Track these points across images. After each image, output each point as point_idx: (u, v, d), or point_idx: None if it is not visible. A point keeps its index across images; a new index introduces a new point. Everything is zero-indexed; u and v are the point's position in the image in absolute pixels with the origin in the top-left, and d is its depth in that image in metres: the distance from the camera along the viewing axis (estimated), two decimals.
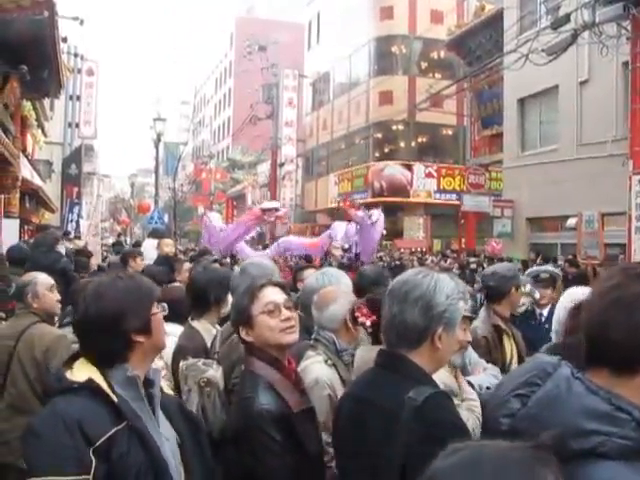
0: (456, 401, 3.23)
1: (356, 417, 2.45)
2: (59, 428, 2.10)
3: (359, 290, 5.00)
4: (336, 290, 3.64)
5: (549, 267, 8.94)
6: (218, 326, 4.37)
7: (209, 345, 4.06)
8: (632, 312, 1.47)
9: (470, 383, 3.65)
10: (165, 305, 2.54)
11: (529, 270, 8.40)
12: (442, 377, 3.23)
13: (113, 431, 2.16)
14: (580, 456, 1.39)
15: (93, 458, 2.09)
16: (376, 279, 5.02)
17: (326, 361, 3.35)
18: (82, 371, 2.25)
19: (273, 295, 3.01)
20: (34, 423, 2.17)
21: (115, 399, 2.24)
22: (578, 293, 3.35)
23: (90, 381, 2.21)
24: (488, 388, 3.69)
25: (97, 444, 2.11)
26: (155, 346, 2.43)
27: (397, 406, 2.21)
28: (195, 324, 4.29)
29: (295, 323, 3.02)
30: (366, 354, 3.00)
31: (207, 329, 4.31)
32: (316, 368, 3.29)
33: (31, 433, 2.14)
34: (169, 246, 10.30)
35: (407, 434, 2.18)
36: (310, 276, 4.70)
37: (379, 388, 2.41)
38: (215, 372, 3.45)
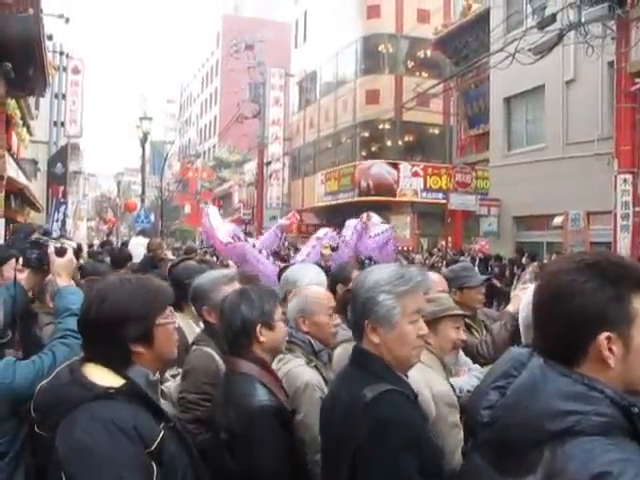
0: (454, 414, 3.20)
1: (328, 412, 2.52)
2: (116, 437, 1.98)
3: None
4: (299, 291, 3.66)
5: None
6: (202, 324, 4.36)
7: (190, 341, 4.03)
8: (552, 310, 1.58)
9: (451, 385, 3.62)
10: (177, 317, 2.47)
11: None
12: (441, 387, 3.21)
13: (162, 433, 2.11)
14: (557, 437, 1.45)
15: (153, 463, 2.03)
16: (340, 276, 5.03)
17: (308, 364, 3.35)
18: (101, 376, 2.14)
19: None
20: (80, 437, 1.98)
21: (156, 402, 2.23)
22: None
23: (129, 385, 2.13)
24: (469, 392, 3.64)
25: (152, 448, 2.05)
26: (160, 358, 2.32)
27: (353, 402, 2.27)
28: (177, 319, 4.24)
29: None
30: (343, 353, 3.03)
31: (188, 324, 4.30)
32: (304, 371, 3.29)
33: (81, 449, 1.96)
34: (159, 248, 10.30)
35: (357, 429, 2.23)
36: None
37: (345, 384, 2.46)
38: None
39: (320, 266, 6.93)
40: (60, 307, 2.95)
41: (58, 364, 2.57)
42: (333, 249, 8.47)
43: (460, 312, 3.71)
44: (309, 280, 4.16)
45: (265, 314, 3.03)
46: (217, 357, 3.59)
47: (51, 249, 3.03)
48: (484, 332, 4.72)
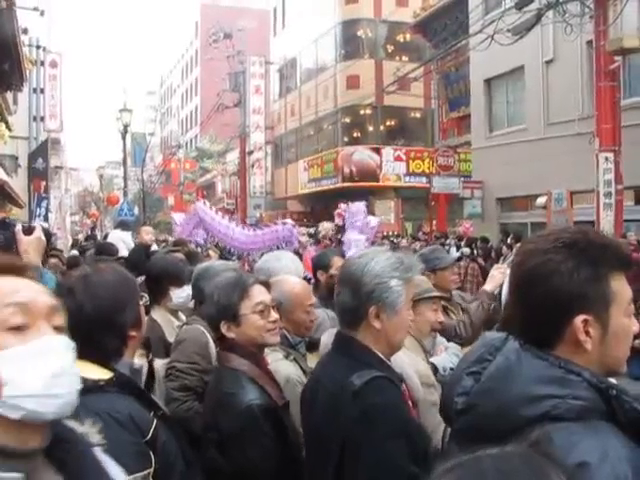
0: (432, 394, 3.20)
1: (310, 398, 2.51)
2: (113, 427, 1.96)
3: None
4: (272, 282, 3.47)
5: None
6: (183, 316, 4.35)
7: (168, 336, 4.03)
8: (527, 290, 1.54)
9: (433, 364, 3.62)
10: (146, 295, 2.47)
11: None
12: (420, 368, 3.21)
13: (155, 421, 2.13)
14: (535, 422, 1.41)
15: (150, 452, 2.05)
16: (321, 263, 5.03)
17: (287, 357, 3.31)
18: (87, 369, 2.04)
19: (262, 295, 2.97)
20: None
21: (145, 391, 2.27)
22: None
23: (118, 376, 2.13)
24: (452, 369, 3.65)
25: (148, 437, 2.07)
26: (140, 339, 2.39)
27: (339, 389, 2.26)
28: (155, 314, 4.21)
29: (278, 325, 3.03)
30: (328, 339, 2.99)
31: (167, 320, 4.27)
32: (283, 366, 3.24)
33: None
34: (149, 234, 10.12)
35: (345, 417, 2.22)
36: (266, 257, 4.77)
37: (329, 371, 2.45)
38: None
39: (298, 254, 6.93)
40: None
41: None
42: (311, 235, 8.56)
43: (438, 294, 3.74)
44: (286, 270, 4.06)
45: (224, 310, 2.89)
46: (207, 333, 3.62)
47: (18, 227, 2.97)
48: (460, 314, 4.76)
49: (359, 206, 9.41)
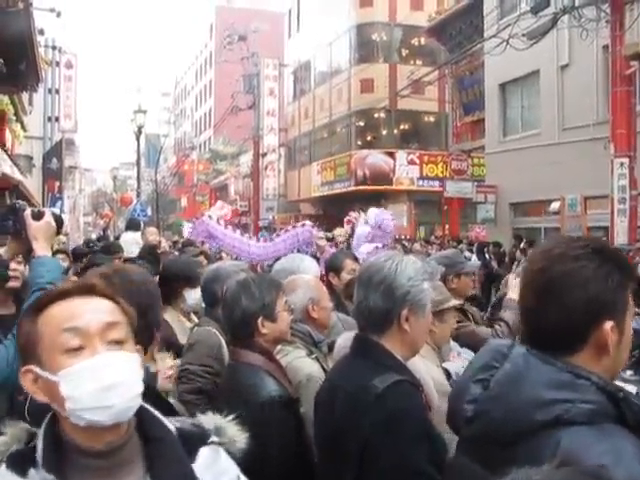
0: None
1: (328, 402, 2.49)
2: None
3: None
4: (297, 280, 3.61)
5: None
6: (195, 317, 4.36)
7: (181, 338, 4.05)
8: (559, 296, 1.53)
9: (447, 370, 3.60)
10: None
11: None
12: (435, 375, 3.19)
13: None
14: (547, 426, 1.43)
15: None
16: (333, 266, 5.03)
17: (309, 355, 3.33)
18: None
19: (285, 295, 3.16)
20: None
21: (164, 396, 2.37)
22: None
23: None
24: None
25: None
26: (159, 340, 2.49)
27: (361, 392, 2.26)
28: (166, 316, 4.21)
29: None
30: (344, 342, 2.99)
31: (180, 321, 4.29)
32: (306, 364, 3.27)
33: None
34: (153, 235, 10.02)
35: (367, 420, 2.22)
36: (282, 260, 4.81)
37: (349, 374, 2.44)
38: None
39: (315, 257, 6.99)
40: (30, 283, 2.83)
41: None
42: (329, 239, 8.58)
43: (459, 302, 3.77)
44: (308, 270, 4.15)
45: (266, 306, 2.98)
46: (220, 335, 3.63)
47: (27, 212, 2.90)
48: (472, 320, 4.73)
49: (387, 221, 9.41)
